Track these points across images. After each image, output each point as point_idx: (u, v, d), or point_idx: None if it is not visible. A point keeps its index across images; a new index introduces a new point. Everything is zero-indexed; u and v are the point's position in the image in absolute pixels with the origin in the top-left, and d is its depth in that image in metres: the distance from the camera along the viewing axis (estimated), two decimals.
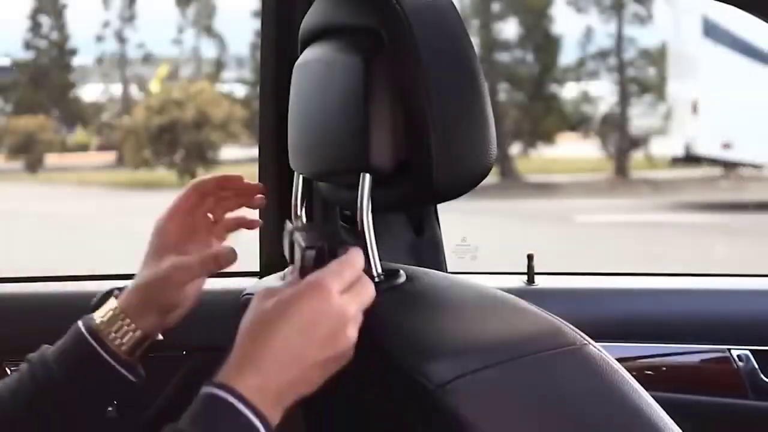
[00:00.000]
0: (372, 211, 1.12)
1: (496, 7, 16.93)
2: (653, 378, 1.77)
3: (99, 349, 1.19)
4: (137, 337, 1.21)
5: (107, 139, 17.34)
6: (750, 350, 1.78)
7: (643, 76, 16.61)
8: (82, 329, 1.21)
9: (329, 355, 0.99)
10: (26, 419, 1.18)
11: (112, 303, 1.22)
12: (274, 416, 0.96)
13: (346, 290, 1.01)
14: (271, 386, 0.96)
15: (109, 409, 1.26)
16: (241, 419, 0.94)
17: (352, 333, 1.00)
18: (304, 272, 1.06)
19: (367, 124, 1.09)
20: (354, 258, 1.04)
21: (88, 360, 1.20)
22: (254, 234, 1.73)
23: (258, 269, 1.76)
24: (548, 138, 16.21)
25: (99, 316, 1.22)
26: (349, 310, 1.00)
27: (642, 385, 1.06)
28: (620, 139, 15.65)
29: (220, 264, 1.21)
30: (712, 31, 12.17)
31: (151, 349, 1.24)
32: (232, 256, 1.21)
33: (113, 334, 1.20)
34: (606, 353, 1.08)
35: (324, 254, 1.07)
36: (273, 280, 1.42)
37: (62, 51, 18.05)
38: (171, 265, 1.21)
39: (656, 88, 15.96)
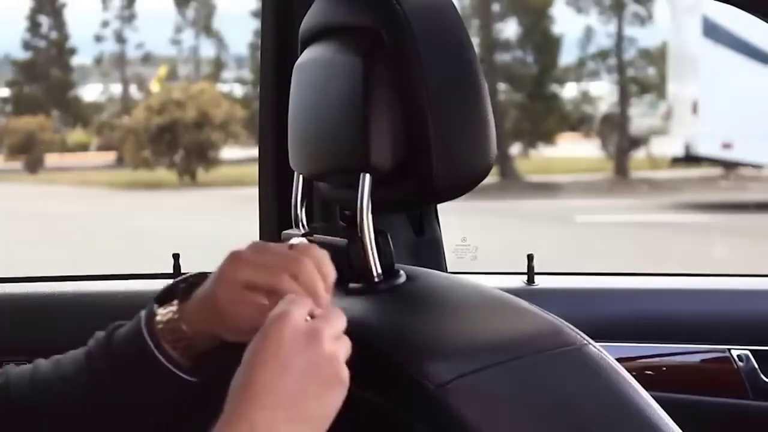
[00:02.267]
0: (372, 211, 1.12)
1: (496, 7, 16.94)
2: (653, 378, 1.77)
3: (155, 350, 1.10)
4: (192, 347, 1.12)
5: (107, 139, 17.35)
6: (750, 350, 1.78)
7: (643, 76, 16.62)
8: (143, 328, 1.12)
9: (319, 386, 0.97)
10: (87, 411, 1.12)
11: (174, 306, 1.12)
12: None
13: (336, 338, 1.00)
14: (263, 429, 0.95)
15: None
16: None
17: (341, 366, 0.99)
18: None
19: (367, 124, 1.09)
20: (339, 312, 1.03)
21: (144, 360, 1.11)
22: (254, 234, 1.73)
23: None
24: (548, 138, 16.22)
25: (161, 313, 1.13)
26: (333, 351, 0.99)
27: (642, 385, 1.06)
28: (620, 139, 15.66)
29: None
30: (712, 31, 12.17)
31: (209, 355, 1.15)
32: None
33: (169, 337, 1.11)
34: (606, 353, 1.08)
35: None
36: None
37: (61, 51, 18.05)
38: (231, 306, 1.09)
39: (656, 88, 15.97)
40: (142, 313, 1.14)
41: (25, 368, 1.17)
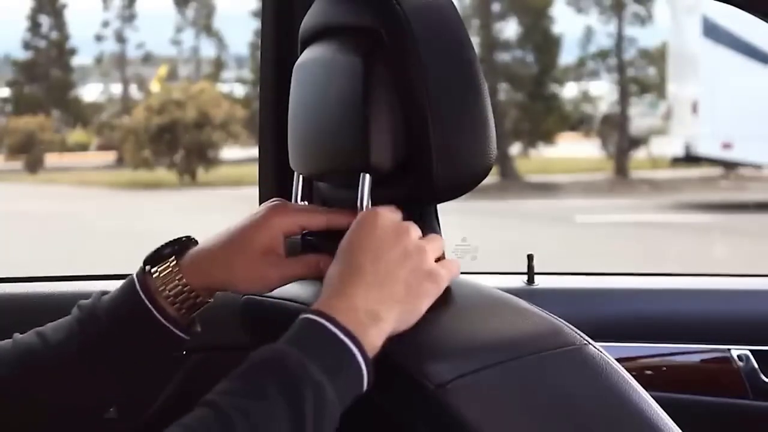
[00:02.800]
0: None
1: (496, 7, 16.94)
2: (653, 378, 1.77)
3: (150, 306, 1.15)
4: (191, 300, 1.17)
5: (107, 139, 17.36)
6: (750, 350, 1.78)
7: (643, 76, 16.63)
8: (137, 285, 1.17)
9: (407, 274, 1.07)
10: (77, 369, 1.16)
11: (171, 262, 1.17)
12: (371, 334, 1.03)
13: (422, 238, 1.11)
14: (359, 306, 1.03)
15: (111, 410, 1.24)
16: (331, 336, 1.02)
17: (429, 261, 1.10)
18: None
19: (367, 124, 1.09)
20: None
21: (138, 316, 1.16)
22: None
23: None
24: (548, 138, 16.22)
25: (156, 270, 1.17)
26: (421, 245, 1.10)
27: (642, 385, 1.06)
28: (620, 139, 15.66)
29: (322, 271, 1.12)
30: (712, 31, 12.17)
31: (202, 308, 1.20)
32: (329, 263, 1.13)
33: (167, 292, 1.16)
34: (606, 353, 1.08)
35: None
36: None
37: (62, 51, 18.06)
38: (261, 255, 1.15)
39: (656, 88, 15.98)
40: (134, 274, 1.18)
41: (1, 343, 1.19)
